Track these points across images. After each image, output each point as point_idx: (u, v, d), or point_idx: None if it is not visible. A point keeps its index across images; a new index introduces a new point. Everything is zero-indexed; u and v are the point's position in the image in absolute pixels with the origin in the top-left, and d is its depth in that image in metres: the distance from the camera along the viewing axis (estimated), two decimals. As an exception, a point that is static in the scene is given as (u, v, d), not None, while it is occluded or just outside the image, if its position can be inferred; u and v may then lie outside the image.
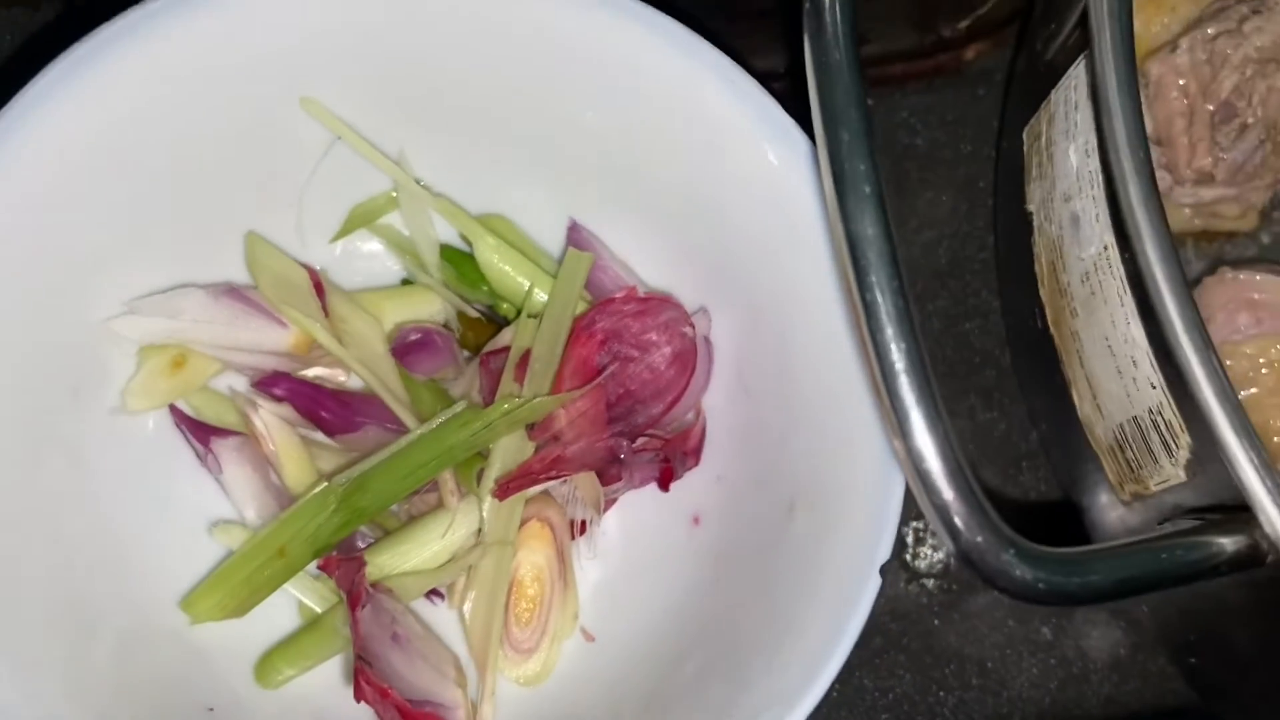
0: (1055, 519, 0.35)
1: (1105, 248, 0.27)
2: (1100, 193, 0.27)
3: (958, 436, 0.38)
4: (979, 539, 0.20)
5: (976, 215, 0.38)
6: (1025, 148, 0.33)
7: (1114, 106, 0.24)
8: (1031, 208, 0.32)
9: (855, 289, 0.21)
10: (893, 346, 0.20)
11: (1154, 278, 0.23)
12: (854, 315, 0.21)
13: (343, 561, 0.27)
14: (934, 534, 0.35)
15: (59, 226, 0.27)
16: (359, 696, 0.25)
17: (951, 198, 0.39)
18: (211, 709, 0.26)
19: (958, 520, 0.20)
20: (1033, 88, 0.32)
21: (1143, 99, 0.34)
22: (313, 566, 0.28)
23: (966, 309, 0.38)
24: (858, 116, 0.21)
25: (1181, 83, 0.34)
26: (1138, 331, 0.26)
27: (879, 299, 0.21)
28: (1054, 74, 0.30)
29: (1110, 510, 0.30)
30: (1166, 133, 0.34)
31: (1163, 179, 0.34)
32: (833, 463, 0.26)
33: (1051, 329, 0.31)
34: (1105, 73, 0.24)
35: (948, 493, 0.20)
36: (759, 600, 0.26)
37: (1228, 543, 0.22)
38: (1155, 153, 0.35)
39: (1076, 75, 0.29)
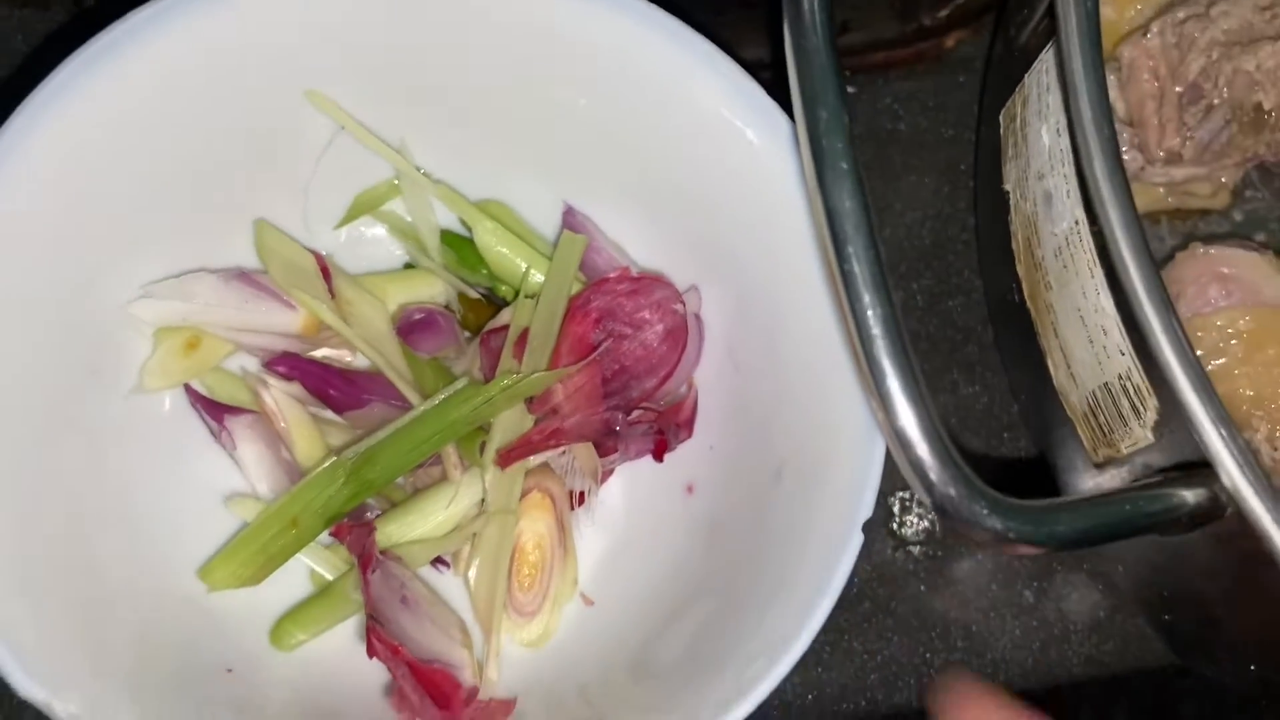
0: (1034, 485, 0.36)
1: (1076, 222, 0.29)
2: (1070, 170, 0.28)
3: (940, 407, 0.39)
4: (951, 491, 0.21)
5: (958, 197, 0.40)
6: (1002, 129, 0.34)
7: (1080, 88, 0.25)
8: (1008, 187, 0.33)
9: (834, 259, 0.22)
10: (869, 313, 0.22)
11: (1119, 248, 0.24)
12: (832, 284, 0.23)
13: (354, 527, 0.28)
14: (919, 503, 0.37)
15: (77, 216, 0.28)
16: (371, 653, 0.26)
17: (934, 180, 0.40)
18: (230, 670, 0.28)
19: (932, 474, 0.21)
20: (1008, 72, 0.33)
21: (1116, 82, 0.36)
22: (324, 537, 0.29)
23: (949, 287, 0.39)
24: (834, 97, 0.23)
25: (1152, 65, 0.35)
26: (1107, 301, 0.27)
27: (856, 269, 0.22)
28: (1027, 58, 0.32)
29: (1085, 474, 0.32)
30: (1139, 114, 0.36)
31: (1136, 159, 0.36)
32: (817, 430, 0.27)
33: (1028, 302, 0.33)
34: (1071, 57, 0.25)
35: (921, 448, 0.21)
36: (749, 560, 0.27)
37: (1189, 496, 0.23)
38: (1128, 133, 0.36)
39: (1047, 59, 0.30)
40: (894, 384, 0.21)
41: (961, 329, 0.39)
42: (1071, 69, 0.25)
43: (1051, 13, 0.27)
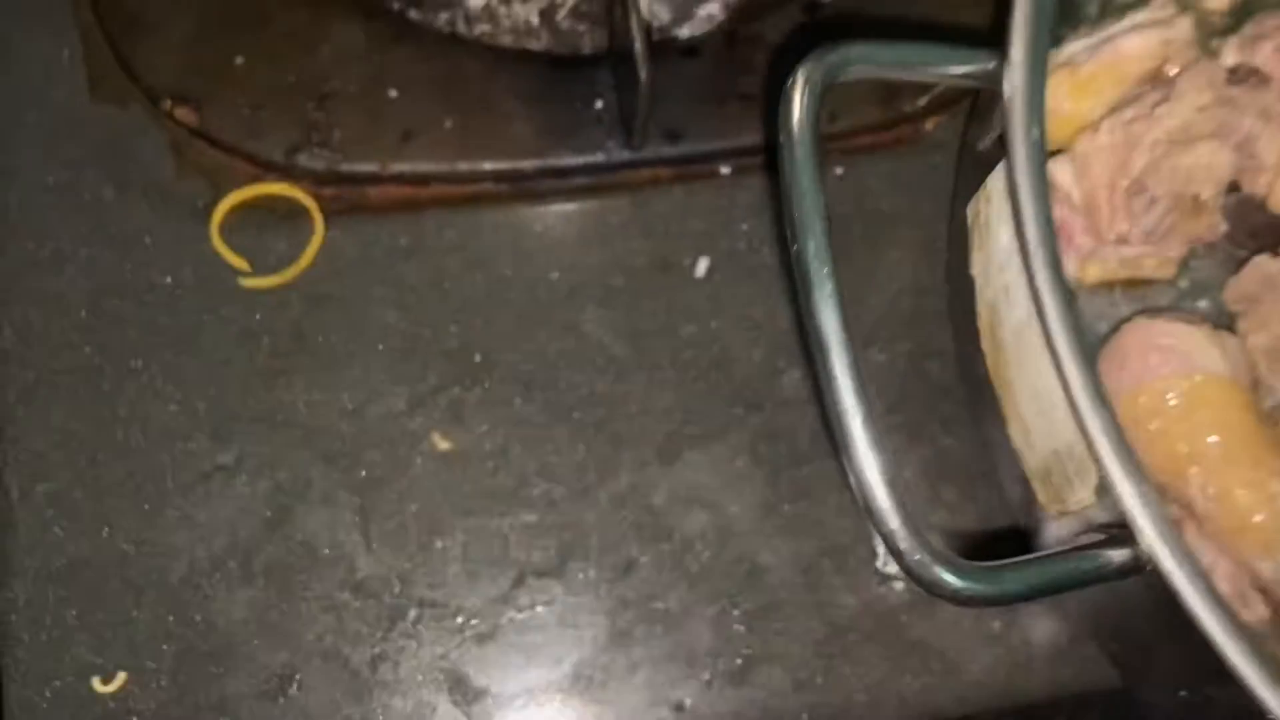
0: (1003, 530, 0.41)
1: (1030, 314, 0.33)
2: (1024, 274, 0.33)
3: (921, 458, 0.44)
4: (918, 557, 0.26)
5: (935, 268, 0.45)
6: (969, 222, 0.39)
7: (1026, 213, 0.30)
8: (975, 273, 0.38)
9: (821, 366, 0.27)
10: (849, 411, 0.26)
11: (1060, 358, 0.29)
12: (821, 384, 0.27)
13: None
14: (901, 544, 0.42)
15: None
16: None
17: (913, 254, 0.45)
18: None
19: (903, 545, 0.26)
20: (974, 173, 0.38)
21: (1074, 170, 0.41)
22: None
23: (928, 350, 0.44)
24: (821, 230, 0.28)
25: (1103, 159, 0.40)
26: (1055, 383, 0.32)
27: (838, 375, 0.27)
28: (989, 163, 0.37)
29: (1044, 523, 0.37)
30: (1092, 202, 0.40)
31: (1089, 241, 0.41)
32: None
33: (991, 373, 0.37)
34: (1019, 185, 0.30)
35: (895, 523, 0.26)
36: None
37: (1115, 555, 0.28)
38: (1084, 219, 0.41)
39: (1004, 171, 0.35)
40: (871, 473, 0.26)
41: (939, 388, 0.44)
42: (1019, 198, 0.30)
43: (1003, 142, 0.31)
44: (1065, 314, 0.29)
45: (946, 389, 0.44)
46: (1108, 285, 0.43)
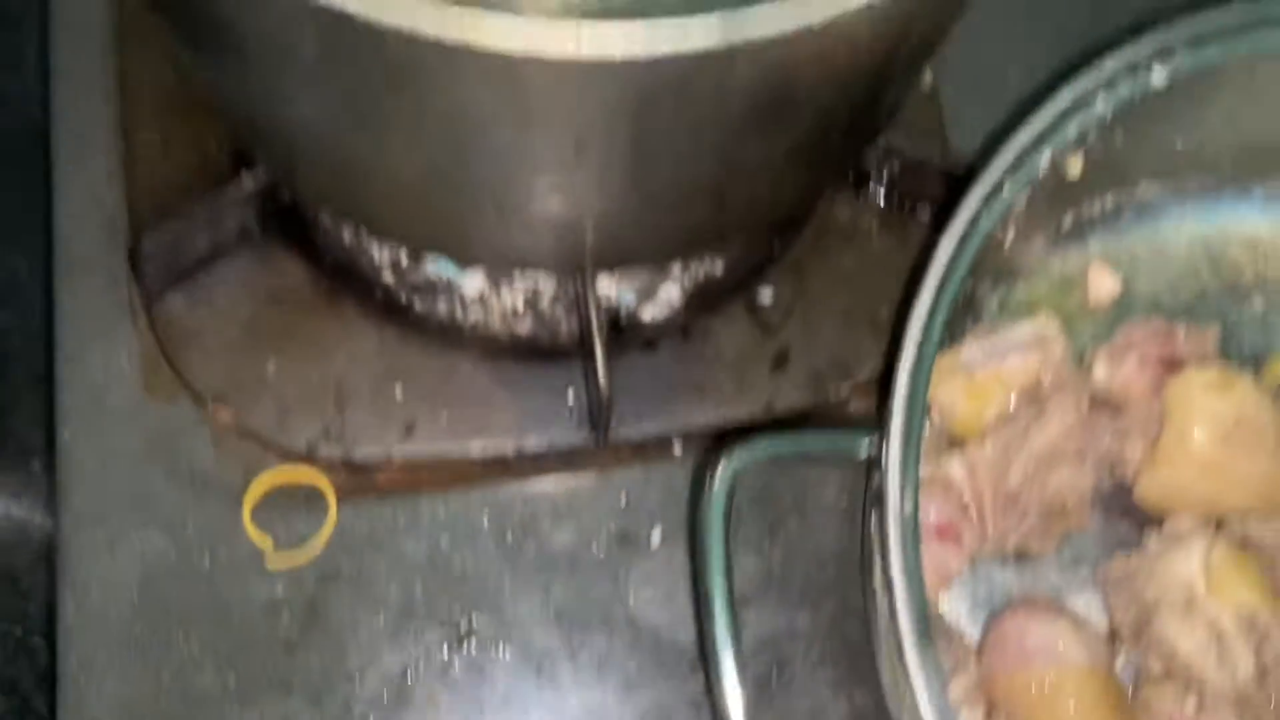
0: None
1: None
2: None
3: (840, 712, 0.51)
4: None
5: (855, 543, 0.52)
6: (872, 537, 0.46)
7: (895, 575, 0.37)
8: (876, 587, 0.46)
9: (718, 702, 0.34)
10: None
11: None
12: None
13: None
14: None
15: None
16: None
17: (837, 527, 0.52)
18: None
19: None
20: (876, 497, 0.46)
21: (966, 470, 0.49)
22: None
23: (849, 610, 0.51)
24: (724, 602, 0.35)
25: (985, 468, 0.48)
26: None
27: (729, 711, 0.34)
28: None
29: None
30: (978, 502, 0.48)
31: (975, 539, 0.49)
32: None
33: (888, 665, 0.45)
34: (891, 563, 0.38)
35: None
36: None
37: None
38: (973, 516, 0.48)
39: (891, 510, 0.43)
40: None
41: (858, 647, 0.50)
42: (889, 563, 0.38)
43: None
44: (929, 670, 0.36)
45: (863, 648, 0.51)
46: (1001, 558, 0.51)
